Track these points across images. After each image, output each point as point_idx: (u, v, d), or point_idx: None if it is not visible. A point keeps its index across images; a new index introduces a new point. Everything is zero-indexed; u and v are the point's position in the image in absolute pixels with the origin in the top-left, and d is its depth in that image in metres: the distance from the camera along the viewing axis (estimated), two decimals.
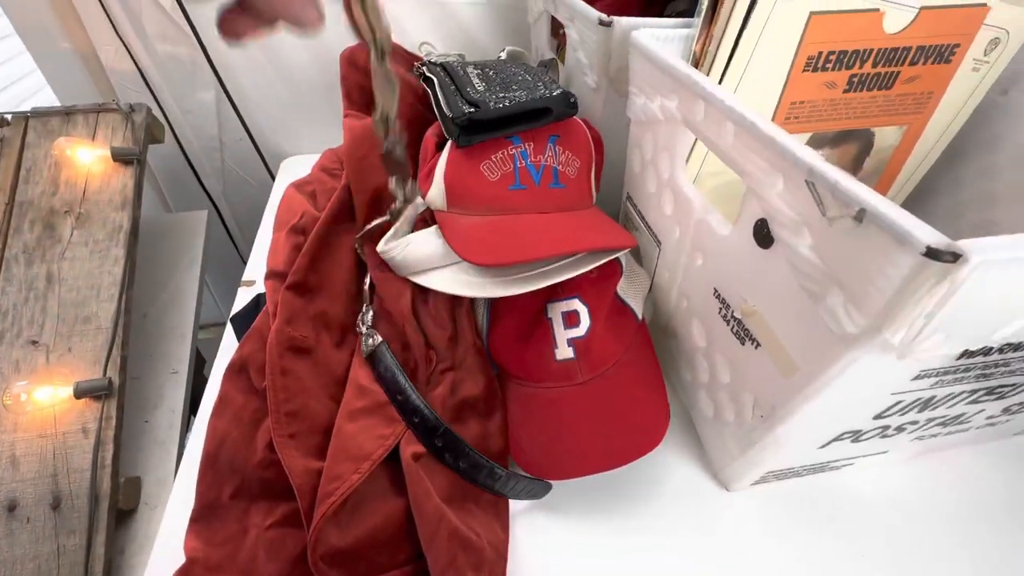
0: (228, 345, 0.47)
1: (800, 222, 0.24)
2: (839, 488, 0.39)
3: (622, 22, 0.41)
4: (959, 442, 0.40)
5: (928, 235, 0.18)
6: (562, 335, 0.37)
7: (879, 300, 0.20)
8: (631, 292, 0.42)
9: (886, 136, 0.49)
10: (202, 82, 0.69)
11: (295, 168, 0.72)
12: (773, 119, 0.45)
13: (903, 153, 0.50)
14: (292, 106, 0.73)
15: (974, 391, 0.30)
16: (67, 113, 0.61)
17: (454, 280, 0.37)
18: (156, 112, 0.67)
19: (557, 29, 0.60)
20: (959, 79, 0.45)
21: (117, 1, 0.61)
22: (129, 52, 0.65)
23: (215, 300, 0.91)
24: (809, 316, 0.25)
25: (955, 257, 0.18)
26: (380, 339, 0.37)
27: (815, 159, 0.23)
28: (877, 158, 0.50)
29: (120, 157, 0.59)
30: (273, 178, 0.77)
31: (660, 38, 0.41)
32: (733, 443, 0.36)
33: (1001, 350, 0.26)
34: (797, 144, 0.24)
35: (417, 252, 0.39)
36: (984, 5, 0.41)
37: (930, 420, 0.33)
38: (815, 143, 0.48)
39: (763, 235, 0.28)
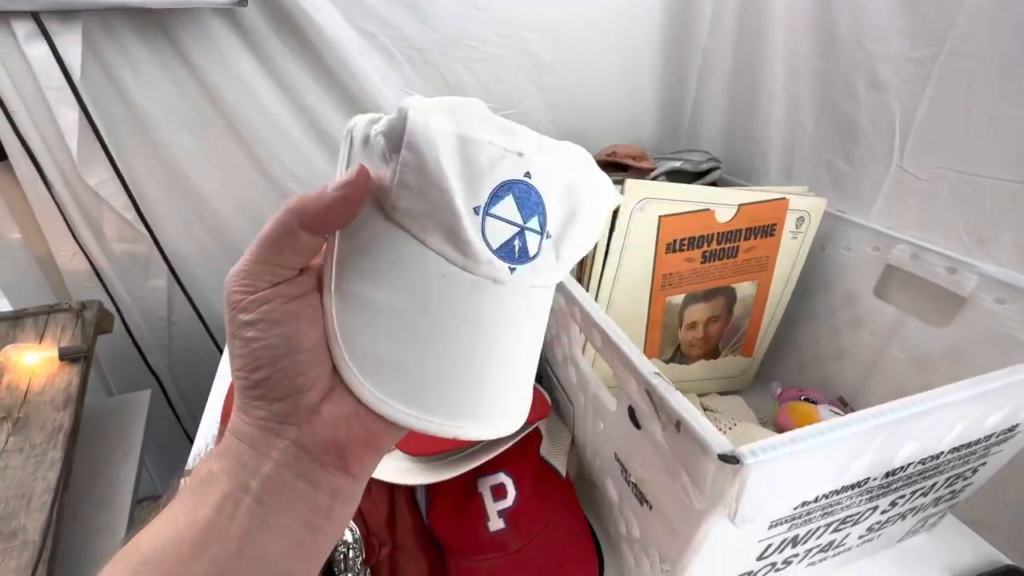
0: None
1: (652, 416, 0.32)
2: None
3: None
4: (851, 558, 0.46)
5: (720, 446, 0.26)
6: (492, 507, 0.41)
7: (707, 486, 0.27)
8: (554, 452, 0.48)
9: (744, 289, 0.61)
10: (155, 272, 0.75)
11: None
12: (652, 287, 0.56)
13: (761, 300, 0.62)
14: None
15: (828, 524, 0.37)
16: (16, 317, 0.64)
17: (390, 468, 0.42)
18: (107, 304, 0.71)
19: None
20: (784, 245, 0.59)
21: (79, 213, 0.68)
22: (86, 254, 0.71)
23: (153, 479, 0.87)
24: (675, 488, 0.31)
25: (737, 460, 0.25)
26: None
27: (651, 373, 0.31)
28: (743, 305, 0.62)
29: (67, 356, 0.61)
30: (220, 350, 0.81)
31: None
32: None
33: (824, 496, 0.33)
34: (640, 357, 0.32)
35: None
36: (784, 199, 0.56)
37: (808, 551, 0.39)
38: (691, 300, 0.59)
39: (634, 419, 0.35)
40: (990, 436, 0.38)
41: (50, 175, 0.65)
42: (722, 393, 0.69)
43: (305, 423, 0.20)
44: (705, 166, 0.72)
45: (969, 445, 0.37)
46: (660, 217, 0.52)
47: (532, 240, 0.22)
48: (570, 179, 0.22)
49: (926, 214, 0.53)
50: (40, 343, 0.62)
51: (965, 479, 0.43)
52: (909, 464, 0.35)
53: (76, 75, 0.59)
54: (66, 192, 0.66)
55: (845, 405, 0.61)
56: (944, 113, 0.50)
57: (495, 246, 0.21)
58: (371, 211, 0.21)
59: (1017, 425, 0.38)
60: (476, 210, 0.21)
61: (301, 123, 0.70)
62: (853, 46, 0.57)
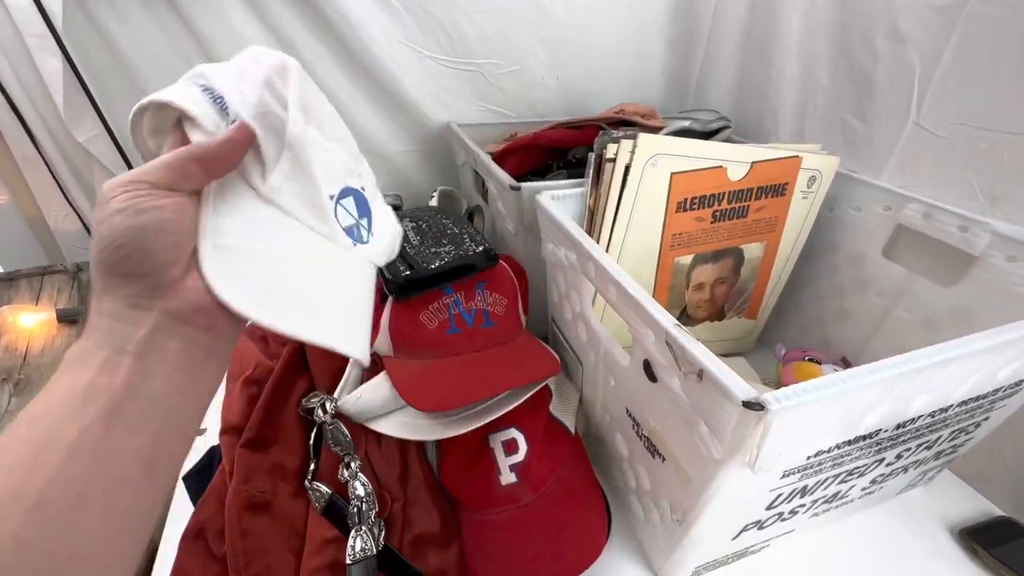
0: (180, 507, 0.46)
1: (670, 368, 0.31)
2: (762, 570, 0.44)
3: (528, 187, 0.51)
4: (852, 509, 0.47)
5: (744, 392, 0.25)
6: (504, 462, 0.41)
7: (728, 434, 0.27)
8: (563, 409, 0.48)
9: (752, 251, 0.60)
10: None
11: None
12: (661, 247, 0.55)
13: (768, 261, 0.62)
14: None
15: (836, 475, 0.37)
16: (9, 279, 0.62)
17: (403, 424, 0.42)
18: None
19: (480, 178, 0.71)
20: (794, 205, 0.58)
21: (69, 172, 0.66)
22: (78, 214, 0.69)
23: None
24: (691, 439, 0.31)
25: (761, 406, 0.25)
26: (329, 491, 0.39)
27: (671, 325, 0.30)
28: (750, 266, 0.62)
29: (65, 318, 0.60)
30: None
31: (560, 196, 0.51)
32: (663, 543, 0.40)
33: (837, 447, 0.33)
34: (659, 309, 0.32)
35: (369, 402, 0.43)
36: (797, 156, 0.55)
37: (814, 501, 0.40)
38: (699, 260, 0.59)
39: (649, 372, 0.35)
40: (998, 390, 0.38)
41: (37, 132, 0.62)
42: (725, 355, 0.69)
43: (172, 292, 0.23)
44: (714, 125, 0.70)
45: (978, 398, 0.37)
46: (672, 174, 0.51)
47: (363, 232, 0.33)
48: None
49: (941, 172, 0.53)
50: (36, 305, 0.61)
51: (967, 433, 0.44)
52: (920, 416, 0.35)
53: (58, 22, 0.55)
54: (54, 149, 0.64)
55: (848, 365, 0.61)
56: (968, 65, 0.49)
57: (343, 226, 0.31)
58: (238, 182, 0.26)
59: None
60: (331, 197, 0.30)
61: None
62: None
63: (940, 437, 0.41)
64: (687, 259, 0.58)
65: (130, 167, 0.67)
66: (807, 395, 0.25)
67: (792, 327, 0.69)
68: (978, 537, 0.47)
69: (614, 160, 0.48)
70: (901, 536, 0.49)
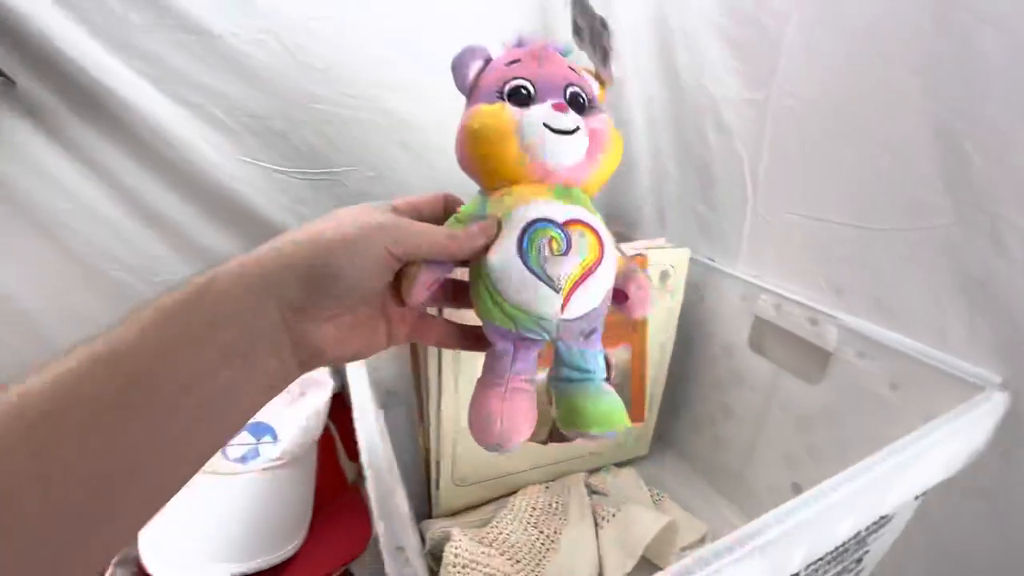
0: None
1: None
2: None
3: None
4: None
5: None
6: None
7: None
8: None
9: (617, 355, 0.55)
10: None
11: None
12: None
13: (639, 363, 0.57)
14: None
15: None
16: None
17: None
18: None
19: None
20: (653, 303, 0.54)
21: None
22: None
23: None
24: None
25: None
26: None
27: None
28: (619, 372, 0.56)
29: None
30: None
31: None
32: None
33: None
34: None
35: None
36: (640, 255, 0.51)
37: None
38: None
39: None
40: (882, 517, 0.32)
41: None
42: (619, 464, 0.62)
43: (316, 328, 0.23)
44: None
45: (857, 535, 0.31)
46: None
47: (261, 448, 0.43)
48: None
49: (786, 262, 0.50)
50: None
51: (859, 562, 0.37)
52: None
53: None
54: None
55: None
56: (784, 156, 0.48)
57: (233, 458, 0.42)
58: None
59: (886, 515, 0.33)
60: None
61: (123, 206, 0.62)
62: (696, 88, 0.55)
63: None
64: (540, 375, 0.52)
65: None
66: None
67: (684, 423, 0.63)
68: None
69: None
70: None
